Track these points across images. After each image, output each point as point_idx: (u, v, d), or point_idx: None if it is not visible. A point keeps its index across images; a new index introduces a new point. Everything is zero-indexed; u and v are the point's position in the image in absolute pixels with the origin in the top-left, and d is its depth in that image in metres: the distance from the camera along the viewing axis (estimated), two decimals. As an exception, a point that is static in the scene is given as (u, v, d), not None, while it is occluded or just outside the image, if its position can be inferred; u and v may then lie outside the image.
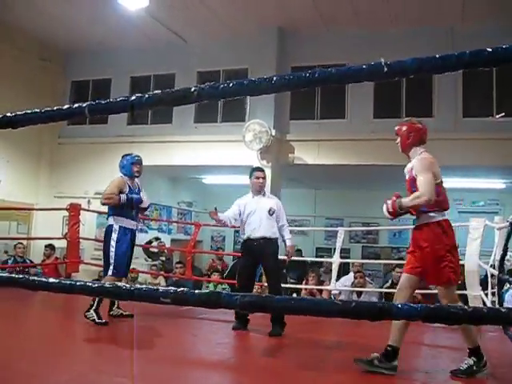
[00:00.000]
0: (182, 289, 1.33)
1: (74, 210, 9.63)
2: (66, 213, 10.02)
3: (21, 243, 10.83)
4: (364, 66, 1.24)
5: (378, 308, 1.24)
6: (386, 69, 1.21)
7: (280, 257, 6.35)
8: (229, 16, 11.91)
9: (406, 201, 4.14)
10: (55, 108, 1.56)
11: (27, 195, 13.44)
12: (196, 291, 1.32)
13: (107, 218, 6.19)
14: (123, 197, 5.92)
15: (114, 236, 5.87)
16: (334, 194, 15.93)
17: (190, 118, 13.15)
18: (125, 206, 5.96)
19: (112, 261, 5.80)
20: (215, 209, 6.00)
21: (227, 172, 14.00)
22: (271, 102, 11.92)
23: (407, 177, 4.31)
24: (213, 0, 11.22)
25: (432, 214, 4.19)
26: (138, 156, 6.31)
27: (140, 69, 13.69)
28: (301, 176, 13.95)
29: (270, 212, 6.11)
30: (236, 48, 12.85)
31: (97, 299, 5.57)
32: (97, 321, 5.58)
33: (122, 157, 6.31)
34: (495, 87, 11.22)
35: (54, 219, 12.56)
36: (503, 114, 11.23)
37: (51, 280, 1.54)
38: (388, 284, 9.62)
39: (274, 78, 1.29)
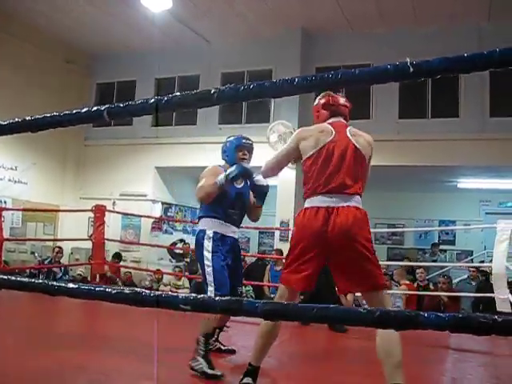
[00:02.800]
0: (202, 296, 1.30)
1: (99, 212, 9.67)
2: (91, 214, 10.07)
3: (59, 247, 10.95)
4: (389, 67, 1.20)
5: (404, 317, 1.20)
6: (411, 69, 1.17)
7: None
8: (253, 17, 11.89)
9: None
10: (74, 111, 1.54)
11: (53, 197, 13.56)
12: (217, 298, 1.29)
13: (198, 221, 4.55)
14: (220, 179, 4.18)
15: (209, 244, 4.24)
16: (359, 194, 15.82)
17: (214, 119, 13.15)
18: (226, 199, 4.35)
19: (211, 278, 4.14)
20: None
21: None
22: (296, 103, 11.87)
23: None
24: (237, 1, 11.22)
25: (306, 201, 3.39)
26: (246, 139, 4.68)
27: (164, 70, 13.73)
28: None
29: None
30: (260, 49, 12.82)
31: (202, 339, 4.01)
32: (209, 373, 3.88)
33: (227, 139, 4.73)
34: (523, 86, 11.06)
35: (80, 220, 12.66)
36: (531, 113, 11.05)
37: (70, 285, 1.52)
38: (414, 286, 9.49)
39: (296, 80, 1.26)
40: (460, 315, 1.18)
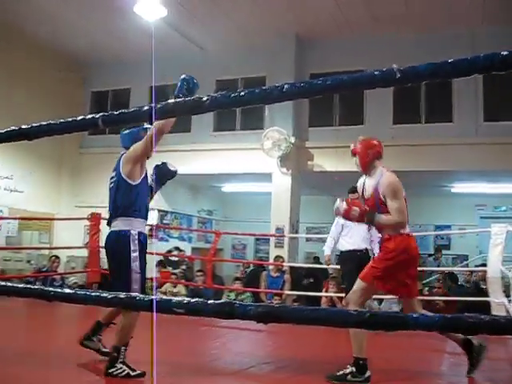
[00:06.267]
0: (195, 299, 1.33)
1: (95, 219, 9.67)
2: (87, 222, 10.06)
3: (56, 256, 10.96)
4: (376, 73, 1.22)
5: (393, 318, 1.22)
6: (398, 75, 1.19)
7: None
8: (247, 24, 11.93)
9: (383, 218, 4.22)
10: (70, 119, 1.56)
11: (49, 205, 13.55)
12: (209, 301, 1.31)
13: (110, 222, 4.23)
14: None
15: (135, 249, 4.08)
16: (353, 200, 15.85)
17: (208, 126, 13.17)
18: (145, 193, 4.25)
19: (137, 286, 4.03)
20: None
21: (246, 180, 14.01)
22: (290, 109, 11.91)
23: (368, 193, 4.37)
24: (230, 9, 11.26)
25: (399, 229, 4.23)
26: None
27: (159, 78, 13.72)
28: (320, 183, 13.89)
29: (368, 228, 6.64)
30: (254, 56, 12.87)
31: (123, 349, 3.99)
32: (135, 374, 3.96)
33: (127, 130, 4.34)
34: (517, 90, 11.10)
35: (75, 228, 12.63)
36: (525, 117, 11.10)
37: (67, 291, 1.54)
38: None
39: (286, 86, 1.28)
40: (449, 316, 1.20)
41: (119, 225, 4.10)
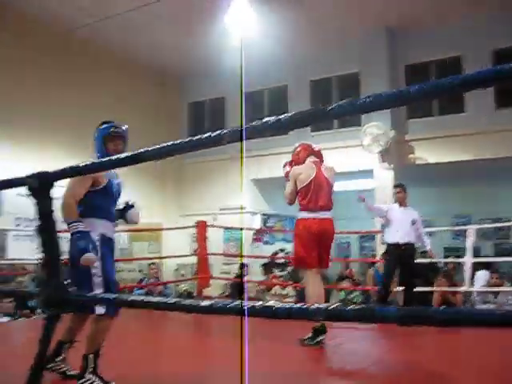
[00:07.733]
0: (335, 304, 1.34)
1: (202, 227, 9.88)
2: (193, 230, 10.29)
3: (153, 263, 11.27)
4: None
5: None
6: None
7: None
8: (336, 22, 11.85)
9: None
10: (195, 138, 1.61)
11: (155, 215, 13.96)
12: (350, 307, 1.32)
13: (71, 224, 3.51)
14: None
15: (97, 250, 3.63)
16: (458, 191, 15.36)
17: (306, 127, 13.19)
18: (110, 195, 3.88)
19: (100, 290, 3.57)
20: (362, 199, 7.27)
21: (347, 178, 13.89)
22: (387, 104, 11.72)
23: None
24: (319, 8, 11.23)
25: (300, 213, 5.51)
26: (117, 126, 3.92)
27: (252, 84, 13.89)
28: (423, 175, 13.58)
29: (413, 222, 7.33)
30: (345, 53, 12.79)
31: (91, 357, 3.61)
32: None
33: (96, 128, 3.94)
34: None
35: (182, 237, 12.96)
36: None
37: (204, 303, 1.59)
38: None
39: (412, 89, 1.27)
40: None
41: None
